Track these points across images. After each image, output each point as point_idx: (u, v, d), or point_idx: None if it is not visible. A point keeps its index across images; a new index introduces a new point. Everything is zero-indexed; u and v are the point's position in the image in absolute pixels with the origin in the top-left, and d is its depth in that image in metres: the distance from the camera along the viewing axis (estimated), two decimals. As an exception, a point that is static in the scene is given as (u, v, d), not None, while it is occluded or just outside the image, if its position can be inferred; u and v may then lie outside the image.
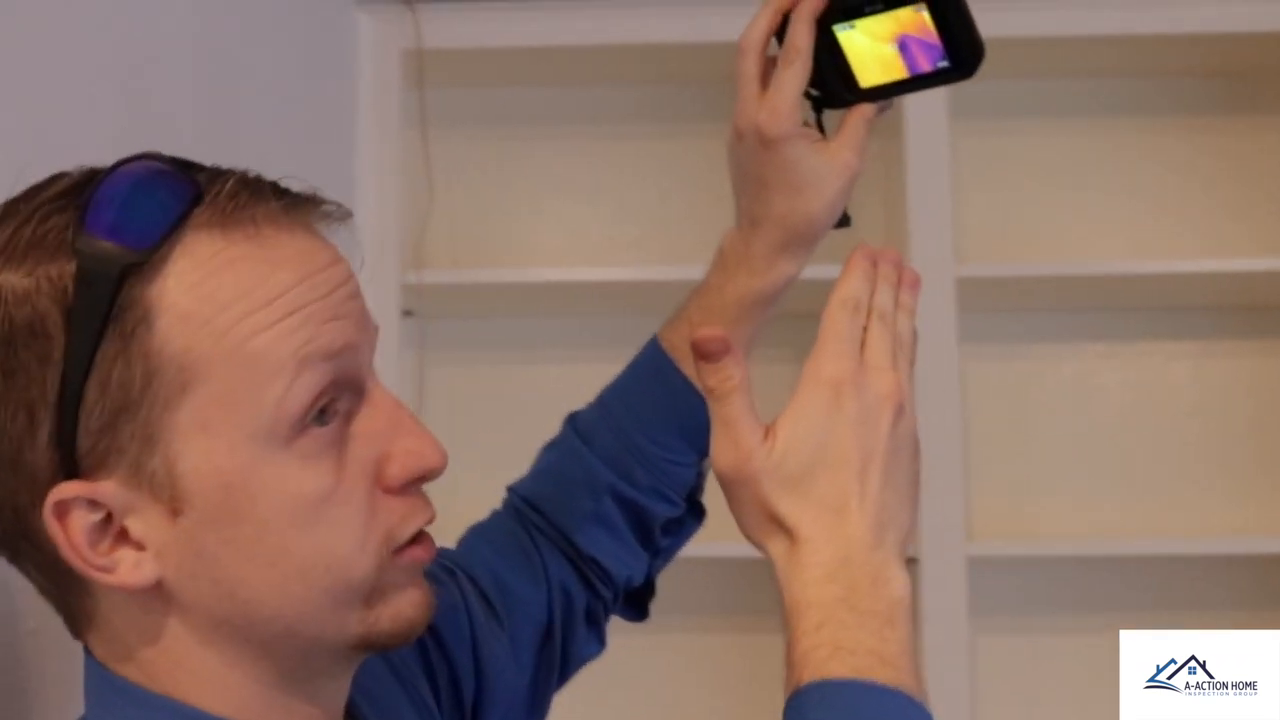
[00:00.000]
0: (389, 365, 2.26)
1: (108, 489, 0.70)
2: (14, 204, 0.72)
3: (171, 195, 0.71)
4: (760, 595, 2.44)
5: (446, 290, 2.38)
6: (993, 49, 2.32)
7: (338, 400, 0.74)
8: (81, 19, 1.33)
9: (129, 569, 0.71)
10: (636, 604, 1.14)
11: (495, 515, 1.12)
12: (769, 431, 0.77)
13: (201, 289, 0.70)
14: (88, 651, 0.77)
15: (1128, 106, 2.47)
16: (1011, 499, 2.40)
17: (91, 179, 0.72)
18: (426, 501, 0.79)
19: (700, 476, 1.13)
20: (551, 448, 1.12)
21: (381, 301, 2.28)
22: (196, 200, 0.71)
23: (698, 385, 1.08)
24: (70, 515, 0.70)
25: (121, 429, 0.69)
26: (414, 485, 0.77)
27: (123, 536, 0.71)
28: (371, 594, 0.75)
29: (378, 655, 0.91)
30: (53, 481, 0.69)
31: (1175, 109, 2.46)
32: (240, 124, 1.79)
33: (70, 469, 0.69)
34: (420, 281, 2.31)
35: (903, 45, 1.01)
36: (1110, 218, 2.45)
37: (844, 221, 1.08)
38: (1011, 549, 2.33)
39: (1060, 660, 2.36)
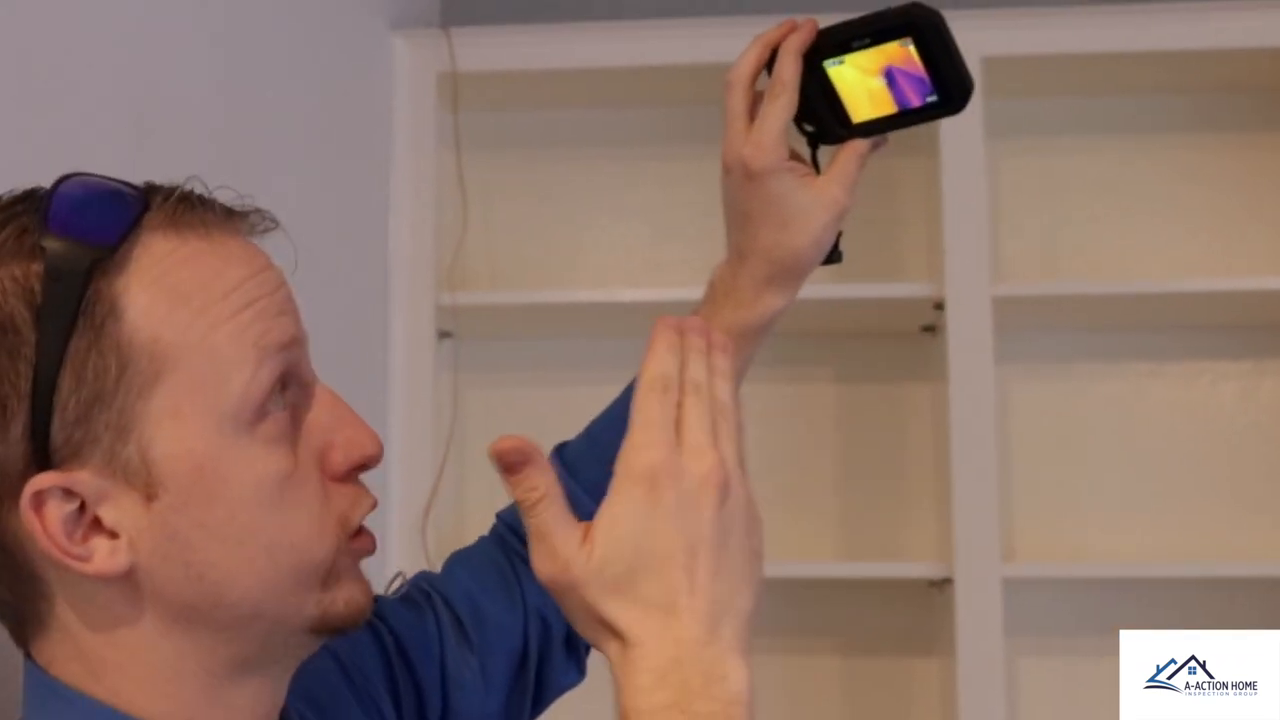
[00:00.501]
0: (424, 386, 2.27)
1: (83, 478, 0.72)
2: None
3: (124, 199, 0.76)
4: (807, 614, 2.43)
5: (483, 311, 2.39)
6: (1032, 66, 2.34)
7: (288, 390, 0.78)
8: (110, 42, 1.34)
9: (104, 556, 0.73)
10: None
11: (481, 541, 1.13)
12: (587, 534, 0.73)
13: (163, 282, 0.74)
14: (29, 658, 0.78)
15: (1170, 123, 2.45)
16: (1055, 520, 2.38)
17: (33, 192, 0.75)
18: (367, 490, 0.82)
19: None
20: None
21: (416, 322, 2.28)
22: (145, 206, 0.75)
23: None
24: (46, 506, 0.72)
25: (96, 419, 0.72)
26: (355, 473, 0.81)
27: (96, 525, 0.73)
28: (328, 576, 0.79)
29: (337, 669, 0.95)
30: (25, 475, 0.71)
31: (1219, 125, 2.44)
32: (275, 147, 1.80)
33: (43, 461, 0.72)
34: (455, 303, 2.31)
35: (889, 75, 1.02)
36: (1155, 235, 2.43)
37: (834, 257, 1.08)
38: (1048, 570, 2.31)
39: (1101, 684, 2.33)
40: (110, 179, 0.77)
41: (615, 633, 0.72)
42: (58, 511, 0.72)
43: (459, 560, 1.12)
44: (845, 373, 2.48)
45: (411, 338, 2.28)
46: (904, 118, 1.03)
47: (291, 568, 0.77)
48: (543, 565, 0.74)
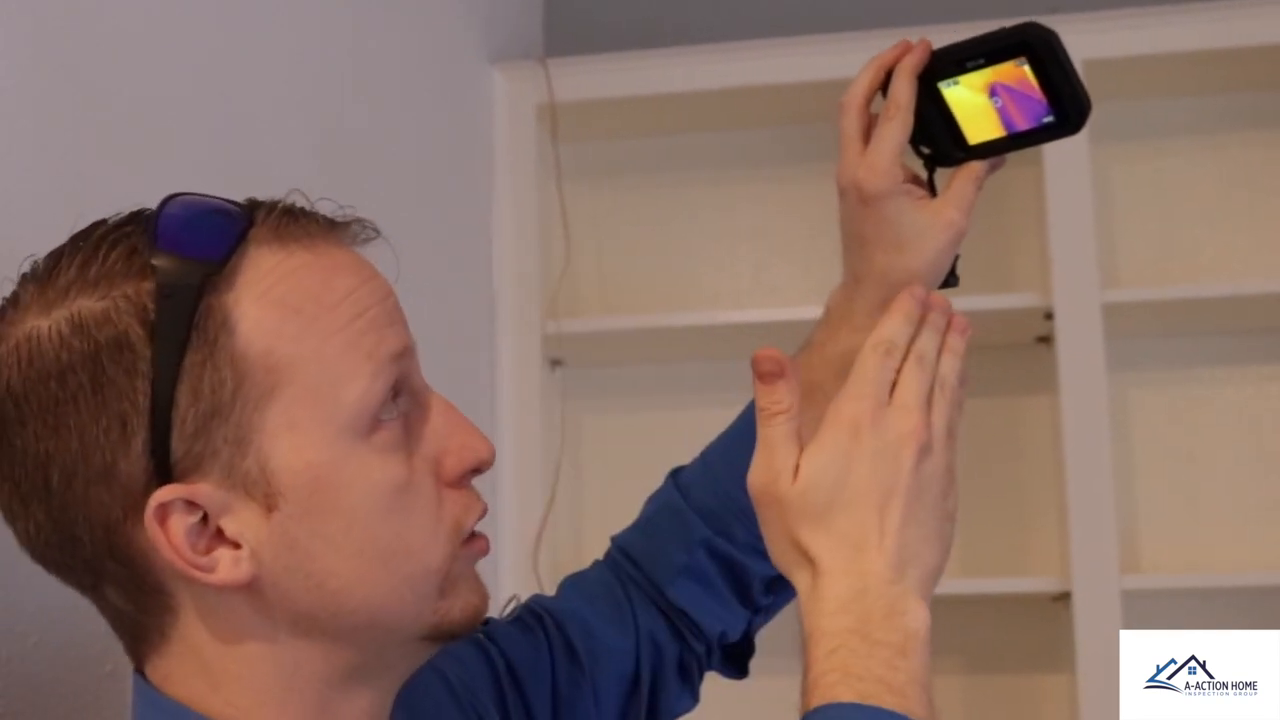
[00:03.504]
0: (533, 415, 2.28)
1: (204, 490, 0.73)
2: (73, 243, 0.76)
3: (228, 216, 0.77)
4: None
5: (592, 338, 2.40)
6: (1136, 67, 2.29)
7: (400, 399, 0.79)
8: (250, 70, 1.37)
9: (228, 566, 0.74)
10: (736, 661, 1.14)
11: (595, 565, 1.14)
12: (798, 462, 0.79)
13: (272, 294, 0.75)
14: (142, 677, 0.79)
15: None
16: (1181, 530, 2.32)
17: (139, 214, 0.77)
18: (479, 495, 0.83)
19: None
20: (652, 500, 1.14)
21: (523, 351, 2.29)
22: (250, 221, 0.77)
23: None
24: (170, 518, 0.73)
25: (215, 432, 0.73)
26: (468, 477, 0.82)
27: (219, 537, 0.74)
28: (444, 583, 0.80)
29: (443, 686, 0.96)
30: (148, 489, 0.73)
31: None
32: (378, 182, 1.82)
33: (164, 475, 0.73)
34: (561, 331, 2.32)
35: (996, 93, 1.00)
36: (1271, 233, 2.37)
37: (950, 281, 1.06)
38: (1170, 582, 2.26)
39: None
40: (213, 197, 0.79)
41: (808, 558, 0.77)
42: (181, 523, 0.73)
43: (572, 584, 1.12)
44: (960, 386, 2.45)
45: (519, 366, 2.29)
46: (1021, 139, 1.01)
47: (408, 575, 0.78)
48: (756, 474, 0.79)
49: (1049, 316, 2.20)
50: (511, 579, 2.19)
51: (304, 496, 0.74)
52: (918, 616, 0.76)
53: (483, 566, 2.11)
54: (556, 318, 2.34)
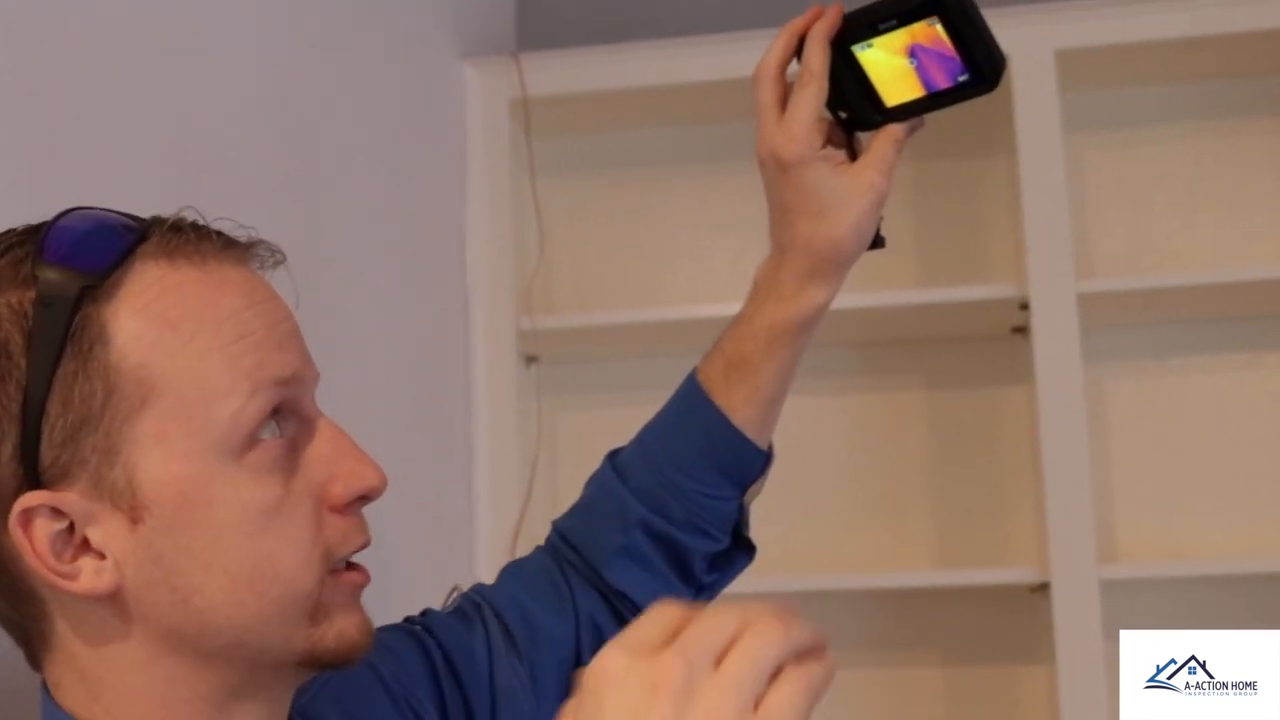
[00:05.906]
0: (508, 412, 2.27)
1: (70, 498, 0.74)
2: None
3: (120, 230, 0.77)
4: (907, 625, 2.40)
5: (567, 334, 2.39)
6: (1107, 56, 2.28)
7: (285, 423, 0.79)
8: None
9: (90, 576, 0.75)
10: None
11: (536, 551, 1.14)
12: None
13: (151, 309, 0.75)
14: (43, 684, 0.80)
15: (1257, 106, 2.38)
16: (1158, 519, 2.32)
17: (40, 226, 0.77)
18: (364, 524, 0.82)
19: (743, 510, 1.12)
20: (590, 483, 1.14)
21: (498, 348, 2.28)
22: (143, 236, 0.77)
23: (733, 419, 1.07)
24: (34, 524, 0.73)
25: (83, 441, 0.73)
26: (357, 505, 0.81)
27: (84, 546, 0.75)
28: (316, 610, 0.79)
29: (375, 679, 0.95)
30: (17, 494, 0.73)
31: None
32: (350, 178, 1.81)
33: (34, 482, 0.73)
34: (535, 327, 2.31)
35: (913, 54, 1.00)
36: (1245, 222, 2.37)
37: (877, 243, 1.06)
38: (1148, 571, 2.25)
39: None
40: (113, 211, 0.79)
41: None
42: (45, 530, 0.74)
43: (511, 570, 1.13)
44: (936, 379, 2.45)
45: (493, 363, 2.28)
46: (938, 99, 1.01)
47: (276, 599, 0.77)
48: None
49: (1024, 307, 2.20)
50: (489, 576, 2.18)
51: (170, 510, 0.75)
52: None
53: (460, 563, 2.10)
54: (531, 314, 2.34)
